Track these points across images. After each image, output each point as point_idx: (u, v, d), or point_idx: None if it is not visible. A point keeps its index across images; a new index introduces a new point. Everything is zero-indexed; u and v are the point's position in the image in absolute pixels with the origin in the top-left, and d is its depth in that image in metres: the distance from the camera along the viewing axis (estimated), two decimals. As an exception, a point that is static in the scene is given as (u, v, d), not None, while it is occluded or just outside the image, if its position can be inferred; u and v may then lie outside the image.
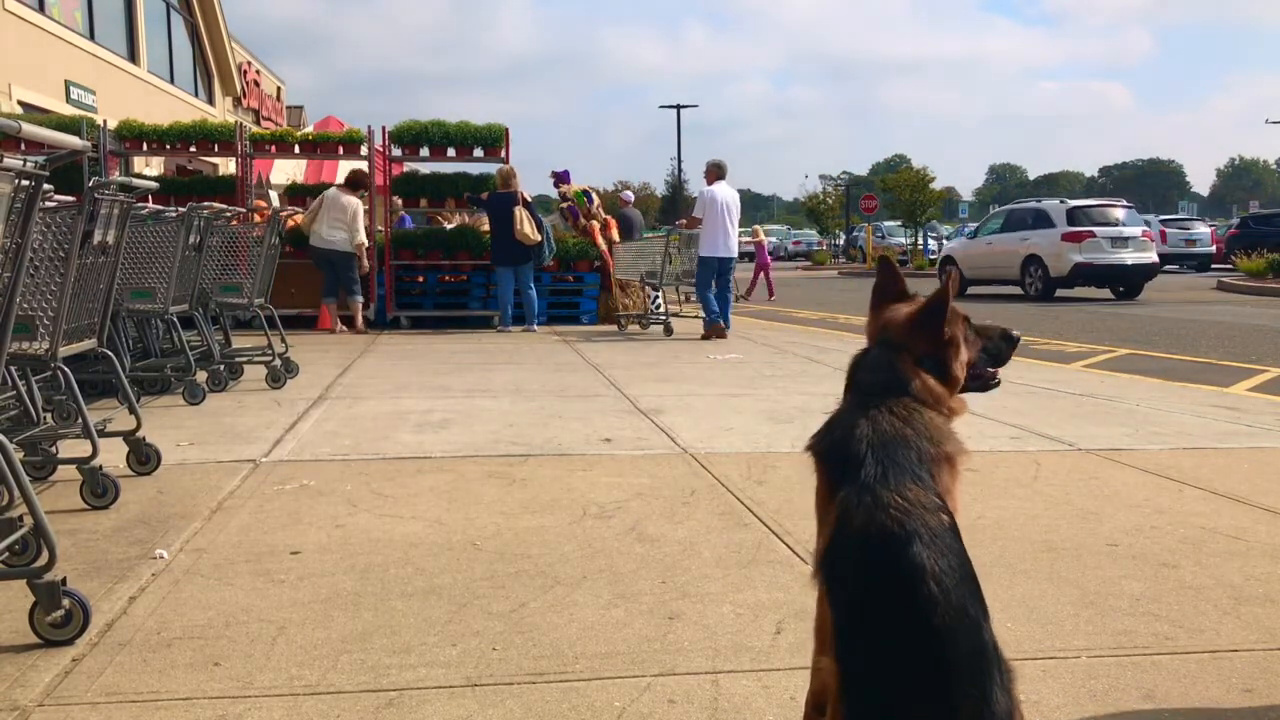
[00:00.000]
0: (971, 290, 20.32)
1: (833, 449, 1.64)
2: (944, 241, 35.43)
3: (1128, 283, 18.55)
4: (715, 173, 10.93)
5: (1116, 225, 18.28)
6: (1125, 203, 20.24)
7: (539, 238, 11.29)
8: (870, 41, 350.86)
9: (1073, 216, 18.59)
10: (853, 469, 1.55)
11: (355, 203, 11.23)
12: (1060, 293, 18.65)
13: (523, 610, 2.73)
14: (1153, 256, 18.55)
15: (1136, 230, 18.46)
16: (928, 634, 1.37)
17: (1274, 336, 11.54)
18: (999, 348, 1.94)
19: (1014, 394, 6.69)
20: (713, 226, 10.63)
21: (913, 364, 1.74)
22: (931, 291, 1.79)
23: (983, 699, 1.36)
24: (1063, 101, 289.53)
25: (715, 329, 10.65)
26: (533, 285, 11.60)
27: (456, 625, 2.63)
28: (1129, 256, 18.02)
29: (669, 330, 11.34)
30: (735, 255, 10.84)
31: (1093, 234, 18.03)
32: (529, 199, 11.52)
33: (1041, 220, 19.13)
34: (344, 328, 11.31)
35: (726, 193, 10.76)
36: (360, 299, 11.39)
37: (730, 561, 3.16)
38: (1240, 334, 11.80)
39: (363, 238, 11.32)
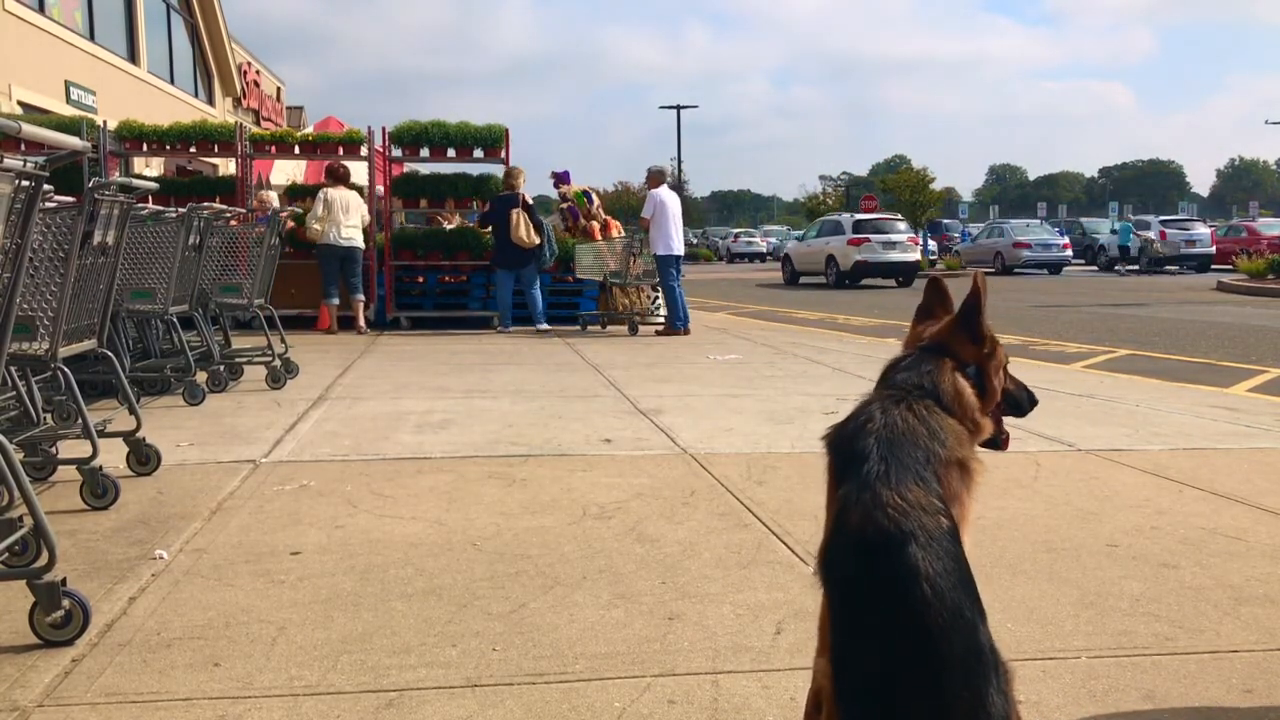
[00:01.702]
0: (802, 280, 26.46)
1: (841, 441, 1.63)
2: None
3: (899, 275, 24.26)
4: (658, 178, 11.69)
5: (888, 233, 24.30)
6: (898, 216, 28.09)
7: (536, 240, 11.26)
8: (871, 41, 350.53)
9: (857, 226, 24.65)
10: (856, 464, 1.54)
11: (358, 196, 11.36)
12: (851, 282, 24.40)
13: (523, 611, 2.74)
14: (915, 256, 24.82)
15: (903, 237, 24.61)
16: (921, 635, 1.37)
17: (1274, 336, 11.55)
18: (1021, 399, 1.92)
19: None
20: (665, 226, 11.17)
21: (952, 368, 1.73)
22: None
23: (977, 700, 1.36)
24: (1063, 102, 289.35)
25: (674, 331, 11.01)
26: (536, 286, 11.59)
27: (456, 626, 2.63)
28: (895, 256, 23.92)
29: (634, 329, 11.48)
30: (683, 252, 11.60)
31: (869, 239, 23.93)
32: (529, 201, 11.52)
33: (838, 229, 25.21)
34: (339, 328, 11.23)
35: (670, 195, 11.50)
36: (363, 298, 11.38)
37: (730, 562, 3.16)
38: (1240, 334, 11.80)
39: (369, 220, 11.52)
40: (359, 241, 11.12)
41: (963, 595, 1.42)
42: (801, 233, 31.96)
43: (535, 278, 11.59)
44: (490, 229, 11.69)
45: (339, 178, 11.23)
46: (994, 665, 1.40)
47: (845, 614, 1.48)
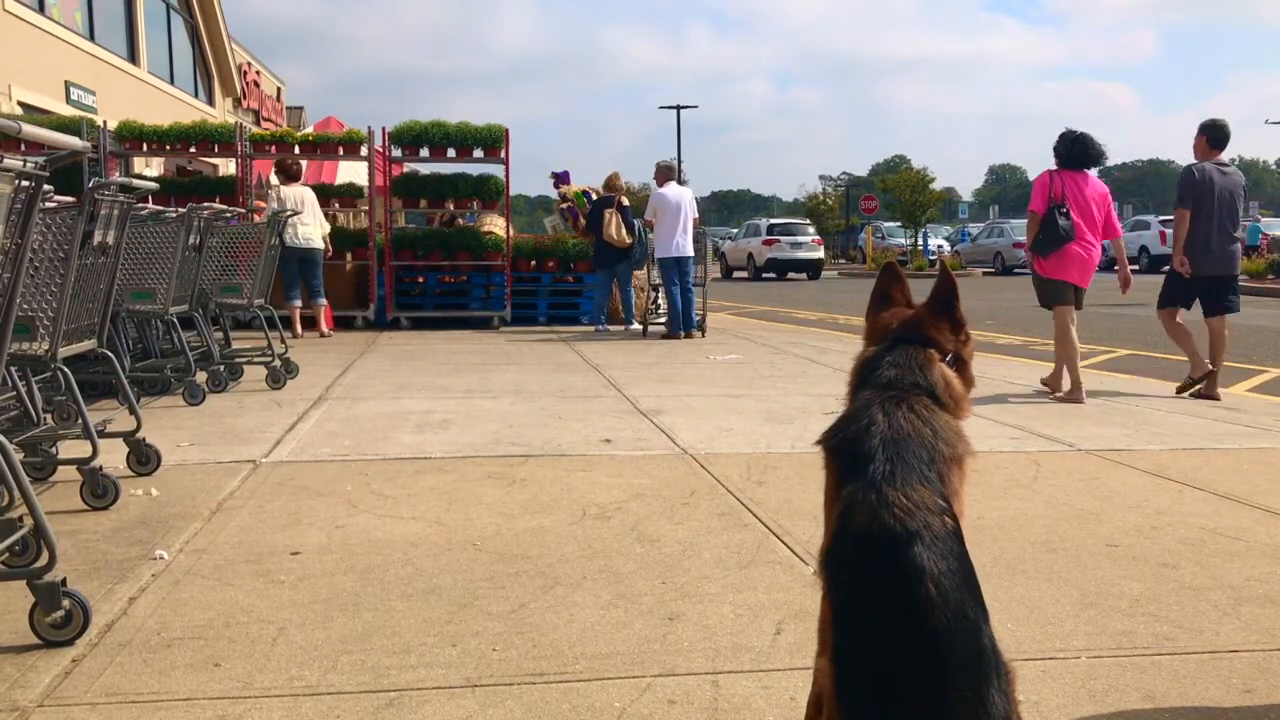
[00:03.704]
0: (734, 275, 31.85)
1: (844, 444, 1.62)
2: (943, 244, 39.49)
3: (805, 270, 30.49)
4: (665, 174, 11.24)
5: (796, 235, 30.75)
6: (807, 221, 36.11)
7: (628, 241, 11.35)
8: (871, 41, 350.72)
9: (770, 229, 31.42)
10: (861, 465, 1.54)
11: (314, 195, 10.96)
12: (777, 276, 30.36)
13: (523, 611, 2.74)
14: (819, 254, 30.99)
15: (809, 239, 30.97)
16: (924, 635, 1.37)
17: (1274, 337, 11.55)
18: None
19: (1014, 394, 6.69)
20: (668, 226, 10.80)
21: (938, 360, 1.74)
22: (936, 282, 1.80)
23: (978, 701, 1.36)
24: (1065, 102, 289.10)
25: (673, 335, 10.85)
26: (630, 284, 11.85)
27: (456, 626, 2.63)
28: (801, 254, 30.16)
29: (645, 330, 11.45)
30: (691, 253, 11.01)
31: (779, 240, 30.40)
32: (625, 203, 11.60)
33: (757, 231, 31.91)
34: (302, 331, 10.72)
35: (678, 192, 11.00)
36: (324, 302, 10.93)
37: (730, 562, 3.16)
38: (1240, 334, 11.79)
39: (327, 226, 11.14)
40: (317, 242, 10.68)
41: (966, 595, 1.42)
42: (734, 234, 38.81)
43: (629, 277, 11.77)
44: (590, 229, 11.81)
45: (291, 174, 10.75)
46: (995, 666, 1.40)
47: (848, 613, 1.47)
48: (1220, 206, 6.78)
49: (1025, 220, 7.28)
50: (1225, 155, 6.96)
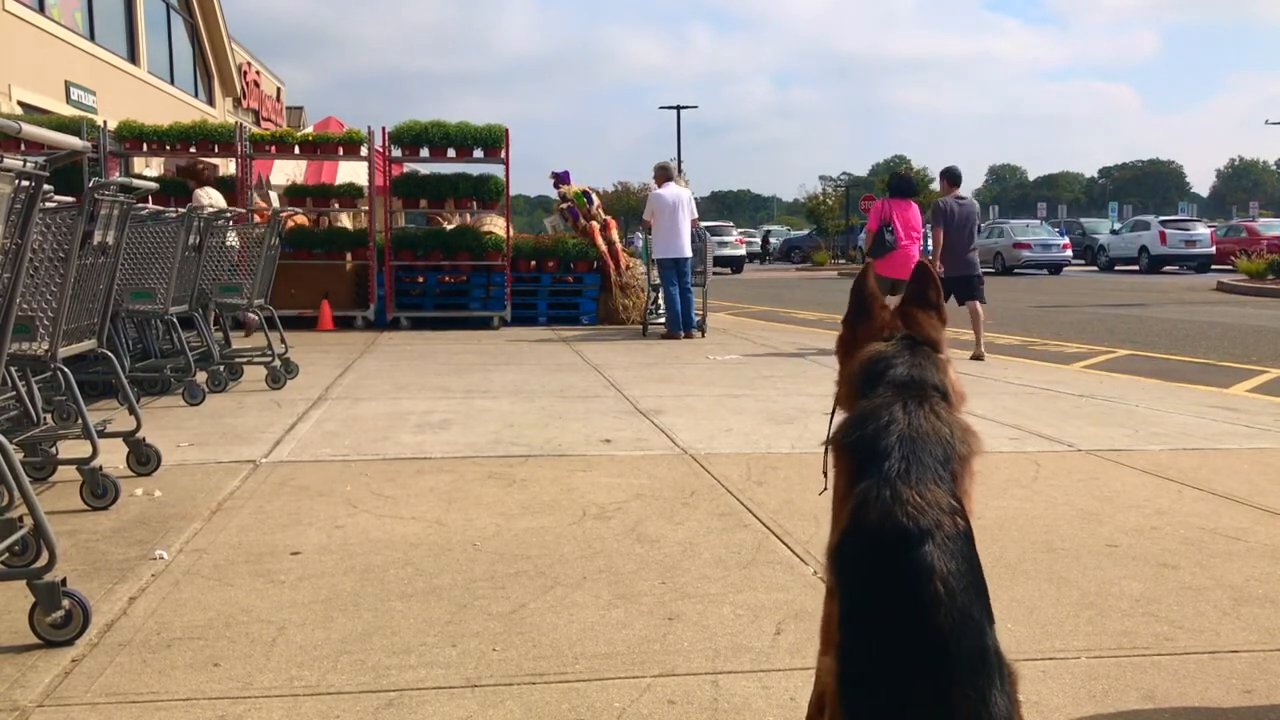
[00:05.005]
0: None
1: (861, 441, 1.61)
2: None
3: (729, 265, 35.35)
4: (663, 175, 11.19)
5: (722, 236, 35.92)
6: (731, 224, 43.86)
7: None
8: (873, 41, 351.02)
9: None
10: (877, 461, 1.53)
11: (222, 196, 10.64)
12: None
13: (522, 611, 2.73)
14: (741, 252, 37.65)
15: (732, 239, 37.55)
16: (930, 634, 1.37)
17: (1274, 337, 11.54)
18: None
19: (1013, 394, 6.69)
20: (666, 227, 10.79)
21: (946, 361, 1.75)
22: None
23: (981, 701, 1.36)
24: (1065, 102, 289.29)
25: (673, 335, 10.81)
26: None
27: (456, 626, 2.63)
28: (727, 251, 35.01)
29: (645, 330, 11.45)
30: (690, 254, 10.97)
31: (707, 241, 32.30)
32: None
33: None
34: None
35: (676, 193, 10.97)
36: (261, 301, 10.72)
37: (730, 562, 3.16)
38: (1240, 335, 11.80)
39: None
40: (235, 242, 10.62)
41: (973, 596, 1.41)
42: None
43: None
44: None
45: (204, 179, 10.36)
46: (999, 667, 1.40)
47: (855, 610, 1.47)
48: (960, 228, 9.45)
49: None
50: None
